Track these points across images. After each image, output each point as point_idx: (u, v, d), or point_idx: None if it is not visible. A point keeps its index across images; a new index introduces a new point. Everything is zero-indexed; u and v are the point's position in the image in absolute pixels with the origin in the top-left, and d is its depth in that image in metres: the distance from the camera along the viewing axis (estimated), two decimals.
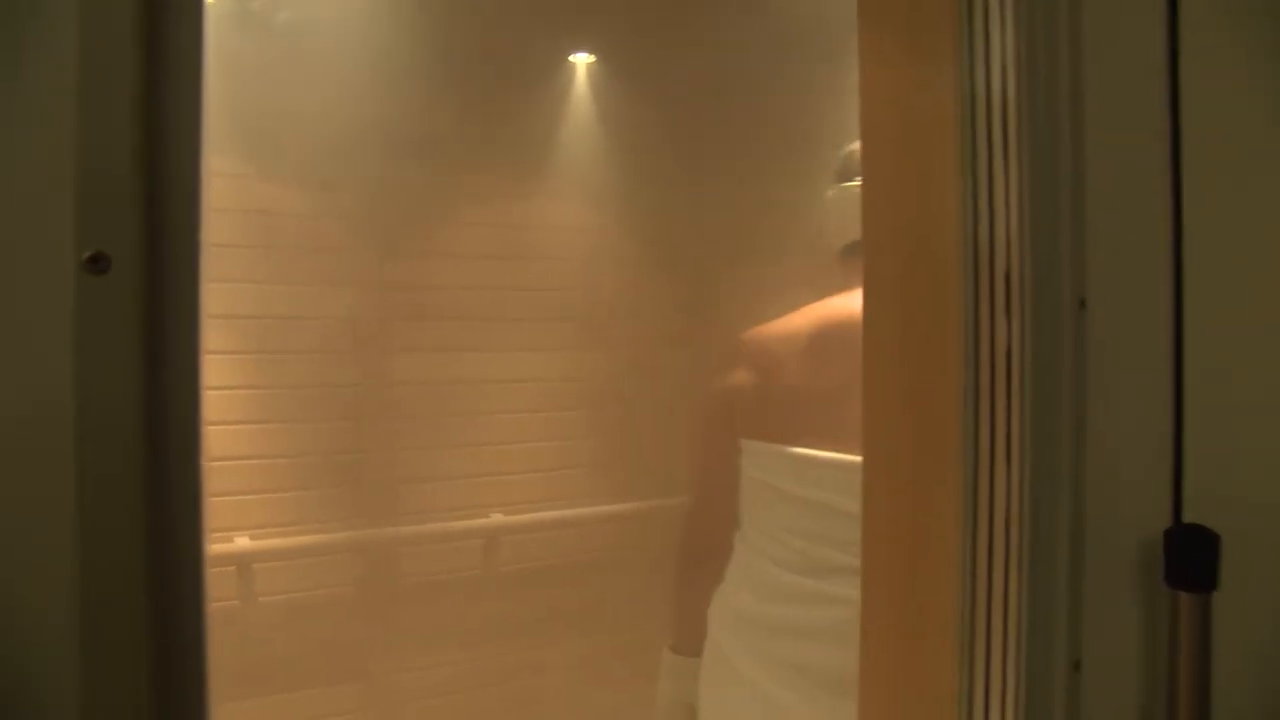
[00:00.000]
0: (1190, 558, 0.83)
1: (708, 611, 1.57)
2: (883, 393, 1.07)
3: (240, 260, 2.74)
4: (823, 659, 1.34)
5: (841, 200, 1.52)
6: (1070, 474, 0.86)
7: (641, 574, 3.31)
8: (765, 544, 1.46)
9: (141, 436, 0.60)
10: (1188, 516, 0.86)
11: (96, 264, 0.57)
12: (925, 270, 1.00)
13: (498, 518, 3.14)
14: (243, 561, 2.73)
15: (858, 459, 1.23)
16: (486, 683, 3.14)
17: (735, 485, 1.53)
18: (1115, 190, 0.86)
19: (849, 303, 1.43)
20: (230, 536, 2.72)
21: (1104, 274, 0.86)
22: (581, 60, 3.24)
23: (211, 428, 2.70)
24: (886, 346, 1.06)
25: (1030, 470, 0.87)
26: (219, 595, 2.71)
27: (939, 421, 0.98)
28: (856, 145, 1.48)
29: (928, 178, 1.02)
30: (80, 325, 0.58)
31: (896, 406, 1.06)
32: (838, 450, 1.36)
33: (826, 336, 1.45)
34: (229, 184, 2.73)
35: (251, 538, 2.74)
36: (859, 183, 1.39)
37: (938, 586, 0.95)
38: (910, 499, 1.03)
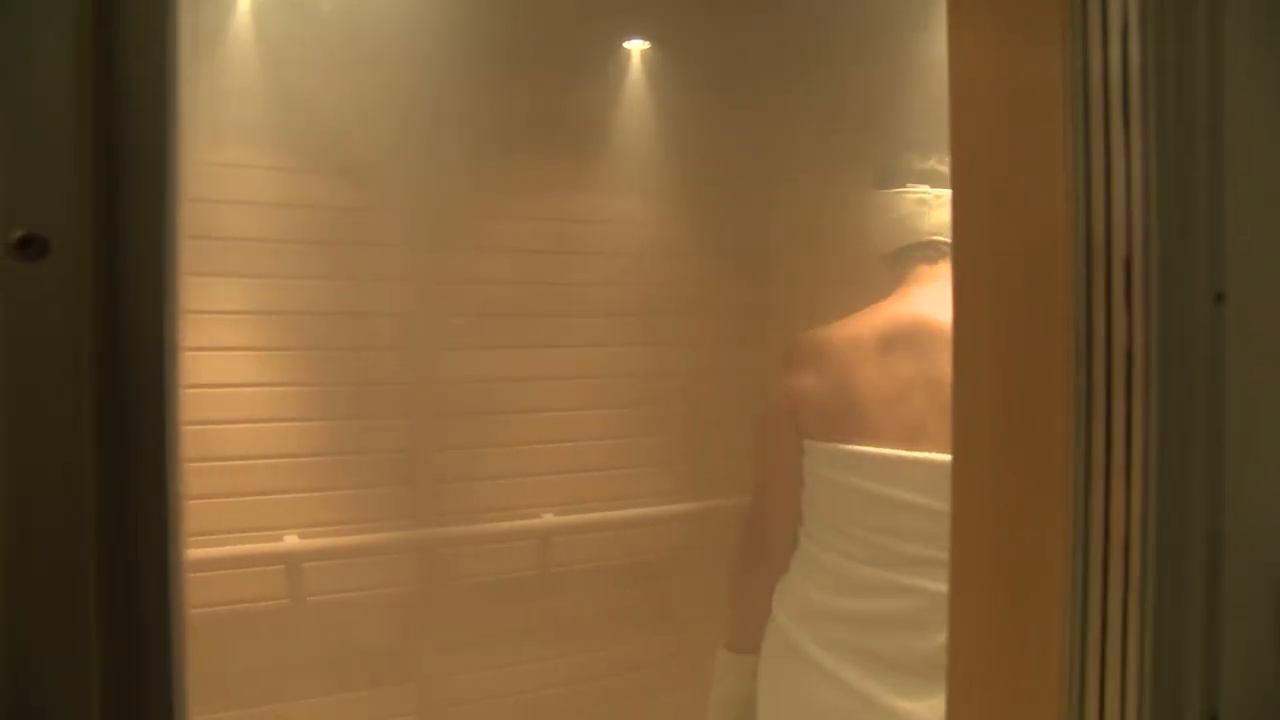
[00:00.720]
0: None
1: (774, 606, 1.63)
2: (976, 396, 0.96)
3: (289, 256, 2.69)
4: (899, 646, 1.42)
5: (886, 207, 1.62)
6: (1204, 486, 0.75)
7: (699, 575, 3.24)
8: (834, 539, 1.52)
9: (91, 442, 0.51)
10: None
11: (27, 247, 0.48)
12: (1026, 259, 0.89)
13: (550, 518, 3.06)
14: (292, 560, 2.69)
15: (929, 456, 1.39)
16: (540, 685, 3.07)
17: (798, 484, 1.58)
18: (1261, 167, 0.75)
19: (910, 306, 1.54)
20: (279, 535, 2.67)
21: (1246, 264, 0.75)
22: (636, 47, 3.13)
23: (260, 425, 2.66)
24: (981, 344, 0.95)
25: (1156, 482, 0.76)
26: (267, 594, 2.67)
27: (1042, 427, 0.87)
28: (903, 153, 1.66)
29: (1029, 157, 0.91)
30: (4, 319, 0.49)
31: (992, 411, 0.95)
32: (906, 448, 1.44)
33: (890, 340, 1.52)
34: (277, 178, 2.68)
35: (300, 536, 2.69)
36: (905, 190, 1.58)
37: (1040, 621, 0.84)
38: (1008, 516, 0.92)
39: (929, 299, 1.54)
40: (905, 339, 1.51)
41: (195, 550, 2.55)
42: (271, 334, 2.68)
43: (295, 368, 2.71)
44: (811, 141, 3.15)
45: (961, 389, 0.97)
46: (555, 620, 3.08)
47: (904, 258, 1.61)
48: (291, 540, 2.67)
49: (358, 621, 2.79)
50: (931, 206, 1.58)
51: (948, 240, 1.45)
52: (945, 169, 1.42)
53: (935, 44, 2.58)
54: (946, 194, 1.50)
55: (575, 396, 3.14)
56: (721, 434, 3.33)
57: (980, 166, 0.98)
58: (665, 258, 3.26)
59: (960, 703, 0.92)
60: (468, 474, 2.97)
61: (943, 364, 1.33)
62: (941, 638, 1.12)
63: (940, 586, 1.29)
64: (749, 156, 3.28)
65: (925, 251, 1.59)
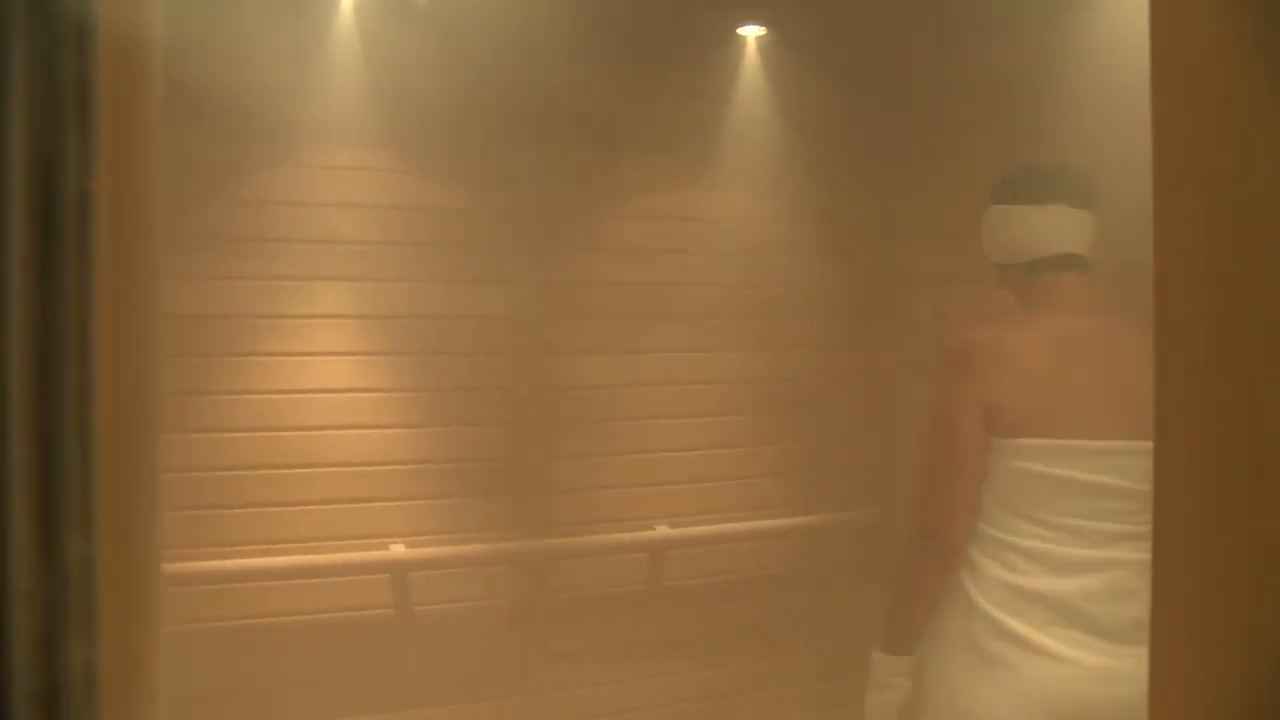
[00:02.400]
0: None
1: (961, 599, 1.69)
2: (1180, 392, 0.83)
3: (394, 258, 2.66)
4: (1107, 614, 1.58)
5: (1002, 223, 1.77)
6: None
7: (817, 592, 3.08)
8: (1030, 526, 1.64)
9: None
10: None
11: None
12: (1237, 253, 0.74)
13: (663, 530, 2.94)
14: (397, 570, 2.65)
15: (1127, 443, 1.58)
16: (649, 704, 2.95)
17: (982, 479, 1.68)
18: None
19: (1078, 314, 1.71)
20: (385, 544, 2.63)
21: None
22: (751, 33, 2.97)
23: (366, 431, 2.63)
24: (1184, 336, 0.82)
25: None
26: (372, 603, 2.64)
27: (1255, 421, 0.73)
28: (1021, 167, 1.81)
29: (1255, 143, 0.75)
30: None
31: (1201, 405, 0.82)
32: (1096, 439, 1.61)
33: (1069, 343, 1.67)
34: (382, 180, 2.65)
35: (407, 545, 2.65)
36: (1021, 207, 1.73)
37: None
38: (1214, 501, 0.79)
39: (1088, 307, 1.71)
40: (1082, 343, 1.67)
41: (300, 557, 2.53)
42: (378, 338, 2.64)
43: (402, 373, 2.67)
44: (940, 133, 2.93)
45: (1166, 384, 0.85)
46: (666, 636, 2.96)
47: (1043, 268, 1.73)
48: (398, 549, 2.63)
49: (463, 633, 2.73)
50: (1073, 222, 1.72)
51: (1085, 254, 1.72)
52: (1075, 183, 1.72)
53: (1083, 25, 2.36)
54: (1082, 212, 1.72)
55: (689, 403, 3.01)
56: (843, 443, 3.15)
57: (1189, 160, 0.83)
58: (783, 257, 3.09)
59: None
60: (577, 483, 2.87)
61: (1116, 364, 1.63)
62: (1144, 601, 1.46)
63: (1138, 556, 1.58)
64: (870, 148, 3.08)
65: (1069, 263, 1.73)
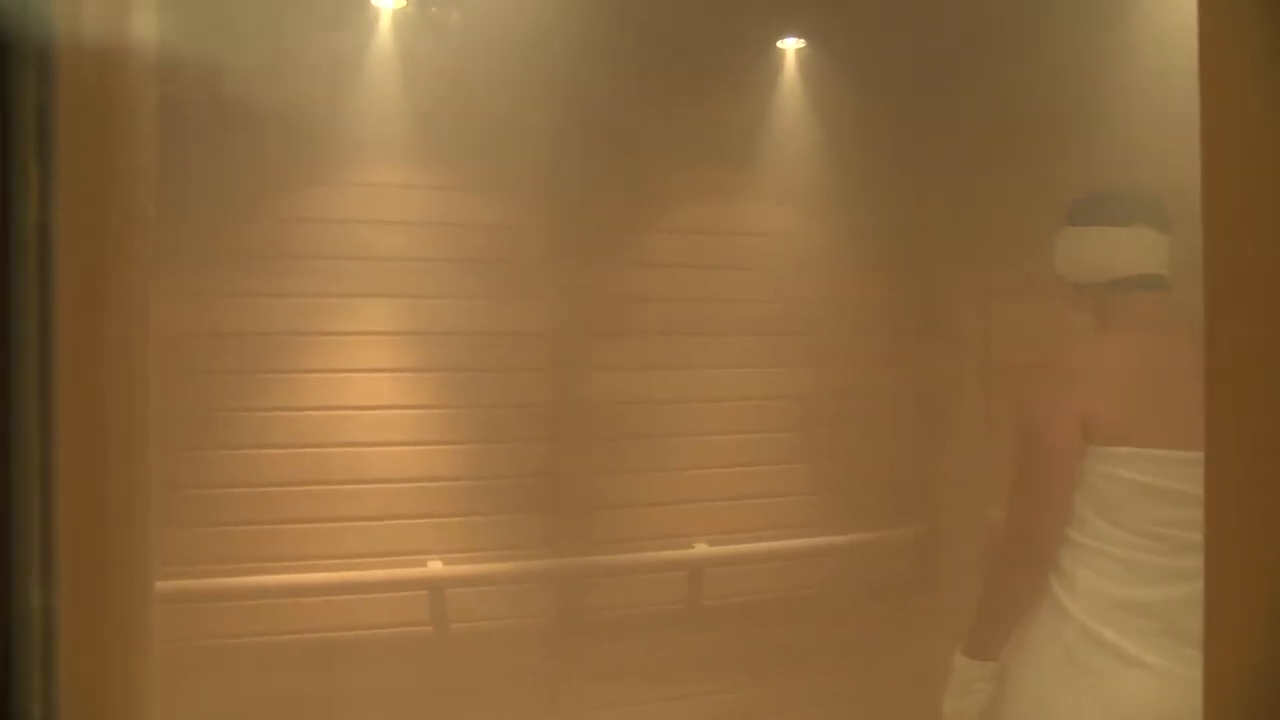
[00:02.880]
0: None
1: (1053, 606, 1.72)
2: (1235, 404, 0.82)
3: (435, 275, 2.66)
4: (1199, 625, 1.39)
5: (1083, 244, 1.83)
6: None
7: (859, 612, 3.01)
8: (1123, 535, 1.68)
9: None
10: None
11: None
12: None
13: (702, 548, 2.90)
14: (435, 587, 2.64)
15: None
16: None
17: (1073, 487, 1.72)
18: None
19: (1158, 330, 1.77)
20: (423, 561, 2.63)
21: None
22: (791, 46, 2.94)
23: (405, 448, 2.63)
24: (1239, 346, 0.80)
25: None
26: (410, 620, 2.63)
27: None
28: (1099, 190, 1.87)
29: None
30: None
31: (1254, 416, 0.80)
32: (1185, 450, 1.64)
33: (1154, 358, 1.74)
34: (421, 196, 2.65)
35: (445, 563, 2.64)
36: (1104, 229, 1.79)
37: None
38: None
39: (1169, 323, 1.77)
40: (1166, 357, 1.72)
41: (338, 574, 2.53)
42: (417, 355, 2.65)
43: (441, 390, 2.67)
44: (983, 147, 2.87)
45: (1215, 393, 0.84)
46: (705, 656, 2.91)
47: (1126, 288, 1.79)
48: (435, 566, 2.62)
49: (501, 650, 2.71)
50: (1153, 243, 1.78)
51: (1165, 274, 1.78)
52: (1152, 205, 1.78)
53: (1128, 39, 2.30)
54: (1161, 234, 1.78)
55: (730, 419, 2.97)
56: (885, 460, 3.09)
57: (1235, 155, 0.80)
58: (826, 271, 3.05)
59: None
60: (616, 501, 2.85)
61: (1197, 377, 1.45)
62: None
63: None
64: (911, 162, 3.03)
65: (1151, 283, 1.79)
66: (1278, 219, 0.77)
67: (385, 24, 2.53)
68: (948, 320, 3.08)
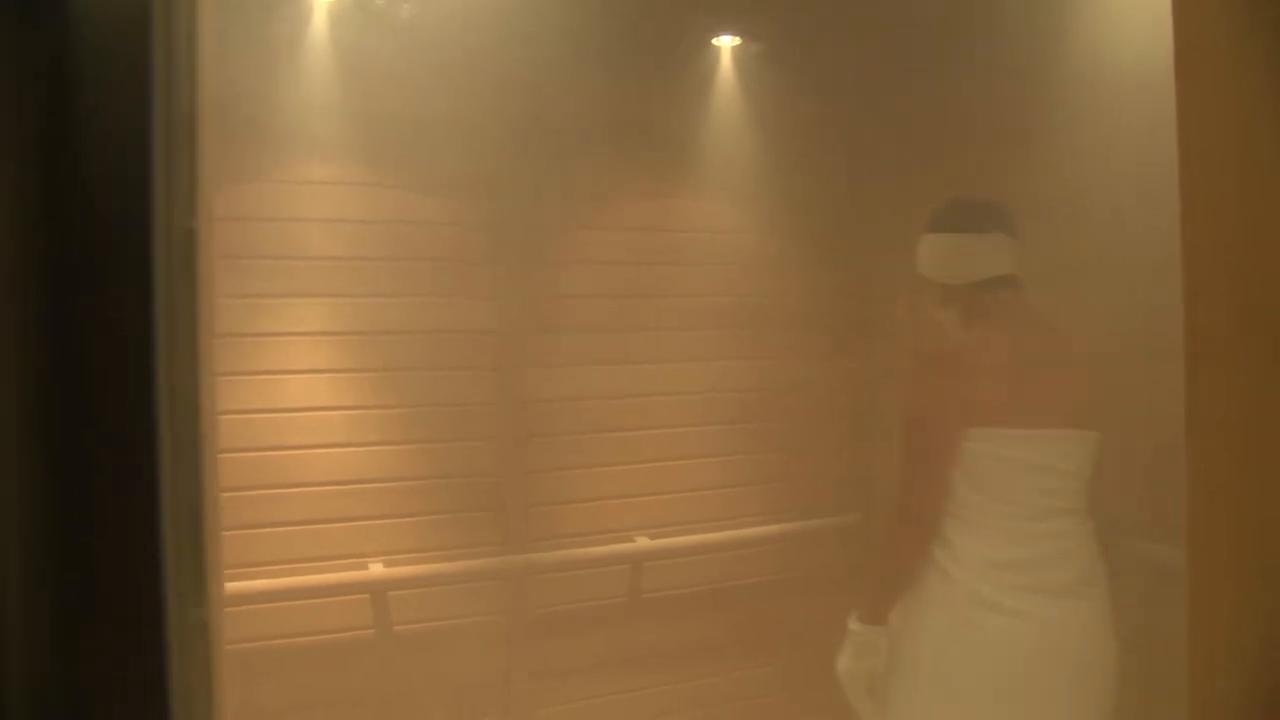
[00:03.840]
0: None
1: (939, 571, 1.91)
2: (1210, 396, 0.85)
3: (371, 274, 2.61)
4: (1056, 577, 1.87)
5: (950, 248, 2.01)
6: None
7: (802, 599, 3.06)
8: (998, 505, 1.88)
9: None
10: None
11: None
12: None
13: (644, 541, 2.92)
14: (376, 589, 2.60)
15: (1072, 431, 1.91)
16: (636, 717, 2.93)
17: (951, 466, 1.91)
18: None
19: (1022, 325, 1.98)
20: (364, 563, 2.59)
21: None
22: (726, 43, 2.97)
23: (343, 450, 2.58)
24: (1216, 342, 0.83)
25: None
26: (352, 624, 2.59)
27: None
28: (956, 200, 2.06)
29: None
30: None
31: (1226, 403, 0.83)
32: (1045, 429, 1.89)
33: (1020, 347, 1.96)
34: (357, 194, 2.60)
35: (385, 564, 2.60)
36: (968, 235, 1.99)
37: None
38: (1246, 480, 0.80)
39: (1028, 319, 1.99)
40: (1027, 348, 1.96)
41: (277, 580, 2.48)
42: (354, 355, 2.60)
43: (379, 390, 2.63)
44: (918, 144, 2.94)
45: (1196, 388, 0.87)
46: (650, 649, 2.94)
47: (991, 288, 1.98)
48: (376, 568, 2.59)
49: (444, 651, 2.68)
50: (1006, 250, 1.99)
51: (1019, 275, 1.99)
52: (1005, 214, 2.00)
53: (1068, 40, 2.39)
54: (1014, 239, 1.99)
55: (670, 414, 2.99)
56: (824, 450, 3.15)
57: (1211, 160, 0.84)
58: (763, 267, 3.09)
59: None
60: (557, 497, 2.85)
61: (1052, 364, 1.95)
62: (1079, 562, 1.89)
63: (1074, 526, 1.91)
64: (845, 158, 3.09)
65: (1009, 283, 1.99)
66: (1251, 212, 0.80)
67: (320, 16, 2.47)
68: (881, 315, 3.15)
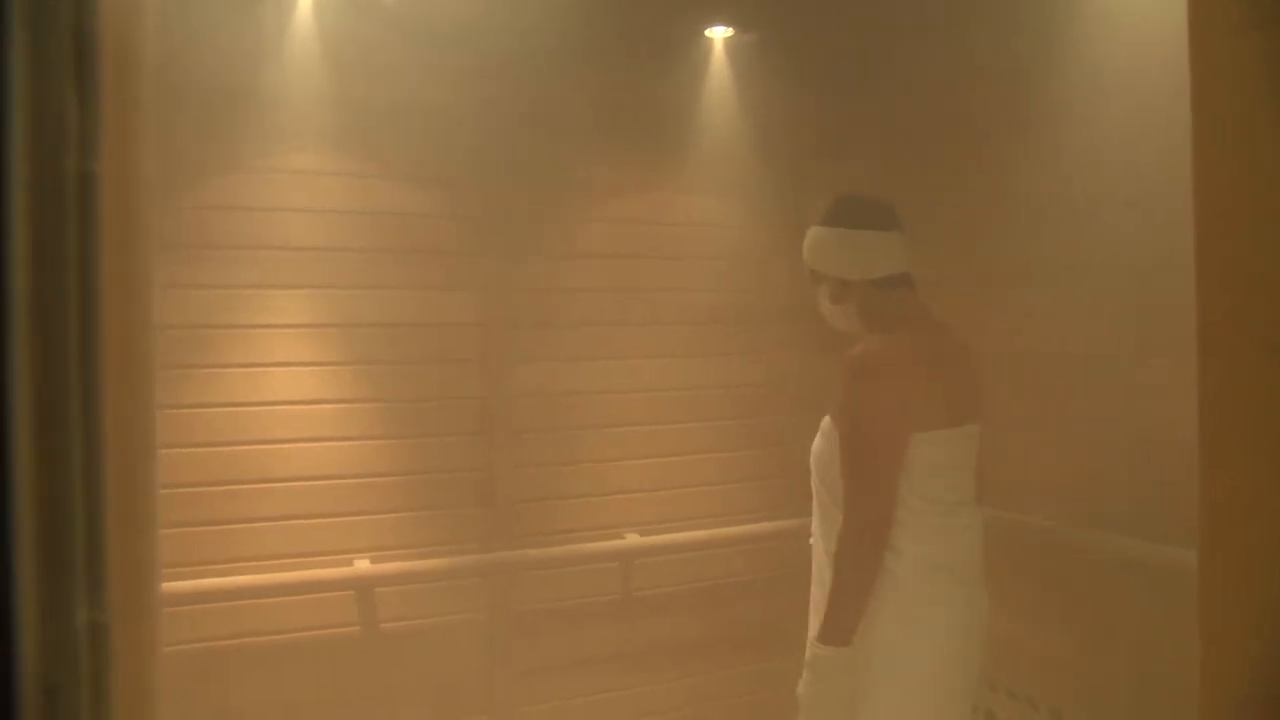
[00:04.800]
0: None
1: (891, 575, 1.91)
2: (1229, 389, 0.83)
3: (358, 265, 2.58)
4: (966, 562, 1.98)
5: (852, 244, 2.01)
6: None
7: (794, 596, 3.02)
8: (926, 505, 1.92)
9: None
10: None
11: None
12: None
13: (634, 538, 2.89)
14: (362, 586, 2.57)
15: (963, 428, 1.97)
16: (624, 716, 2.90)
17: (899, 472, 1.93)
18: None
19: (930, 325, 2.03)
20: (349, 560, 2.55)
21: None
22: (719, 35, 2.93)
23: (329, 444, 2.54)
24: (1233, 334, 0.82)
25: None
26: (337, 621, 2.56)
27: None
28: (851, 196, 2.06)
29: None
30: None
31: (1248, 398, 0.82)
32: (960, 428, 1.96)
33: (936, 346, 2.01)
34: (344, 184, 2.56)
35: (372, 560, 2.57)
36: (870, 232, 2.00)
37: None
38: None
39: (927, 318, 2.04)
40: (941, 346, 2.01)
41: (262, 575, 2.44)
42: (340, 348, 2.56)
43: (364, 383, 2.59)
44: (911, 137, 2.91)
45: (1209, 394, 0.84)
46: (639, 647, 2.91)
47: (889, 285, 2.01)
48: (362, 565, 2.55)
49: (431, 649, 2.65)
50: (904, 248, 2.02)
51: (912, 274, 2.03)
52: (894, 211, 2.03)
53: (1061, 33, 2.36)
54: (907, 238, 2.02)
55: (661, 409, 2.96)
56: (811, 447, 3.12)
57: (1226, 160, 0.81)
58: (753, 261, 3.06)
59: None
60: (546, 493, 2.81)
61: (950, 361, 2.01)
62: (982, 551, 2.00)
63: (974, 517, 2.00)
64: (839, 152, 3.05)
65: (905, 281, 2.03)
66: (1267, 201, 0.78)
67: (305, 4, 2.43)
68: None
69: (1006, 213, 2.58)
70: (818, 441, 2.09)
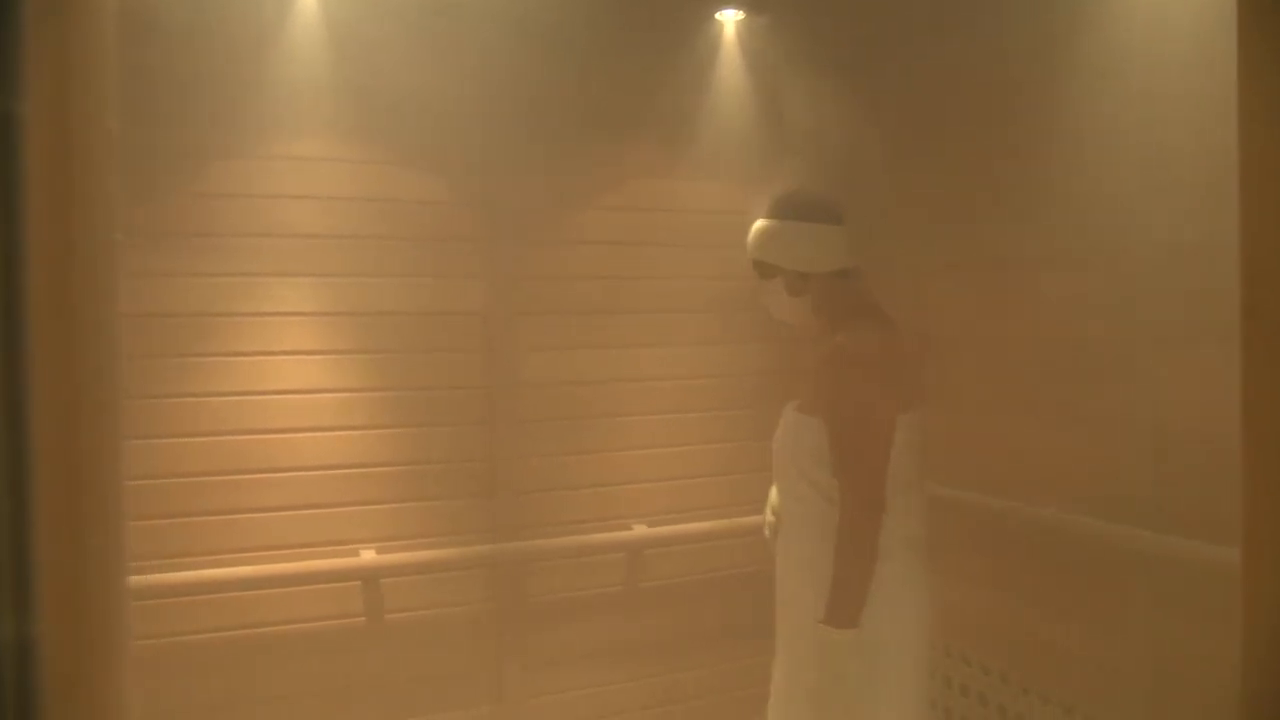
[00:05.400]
0: None
1: (884, 553, 1.98)
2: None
3: (362, 253, 2.55)
4: (922, 542, 2.09)
5: (810, 238, 2.07)
6: None
7: None
8: (899, 486, 1.99)
9: None
10: None
11: None
12: None
13: (641, 529, 2.86)
14: (368, 576, 2.55)
15: (920, 411, 2.07)
16: (628, 708, 2.89)
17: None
18: None
19: (886, 317, 2.09)
20: (355, 550, 2.54)
21: None
22: (729, 17, 2.89)
23: (334, 434, 2.53)
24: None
25: None
26: (343, 612, 2.55)
27: None
28: (801, 190, 2.15)
29: None
30: None
31: None
32: (911, 412, 2.04)
33: (899, 333, 2.08)
34: (348, 171, 2.54)
35: (378, 551, 2.55)
36: (826, 225, 2.07)
37: None
38: None
39: (878, 310, 2.09)
40: (896, 335, 2.07)
41: (267, 565, 2.43)
42: (344, 337, 2.54)
43: (370, 372, 2.57)
44: (923, 121, 2.86)
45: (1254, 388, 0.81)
46: (645, 638, 2.89)
47: (844, 278, 2.08)
48: (368, 555, 2.54)
49: (437, 640, 2.64)
50: (855, 239, 2.09)
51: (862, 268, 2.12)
52: (839, 206, 2.11)
53: (1078, 18, 2.31)
54: (848, 231, 2.09)
55: (669, 398, 2.93)
56: None
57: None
58: None
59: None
60: (553, 484, 2.79)
61: (910, 350, 2.11)
62: (927, 523, 2.11)
63: (921, 497, 2.10)
64: (853, 137, 3.00)
65: (857, 273, 2.10)
66: None
67: None
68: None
69: (1025, 197, 2.53)
70: (787, 434, 2.14)
